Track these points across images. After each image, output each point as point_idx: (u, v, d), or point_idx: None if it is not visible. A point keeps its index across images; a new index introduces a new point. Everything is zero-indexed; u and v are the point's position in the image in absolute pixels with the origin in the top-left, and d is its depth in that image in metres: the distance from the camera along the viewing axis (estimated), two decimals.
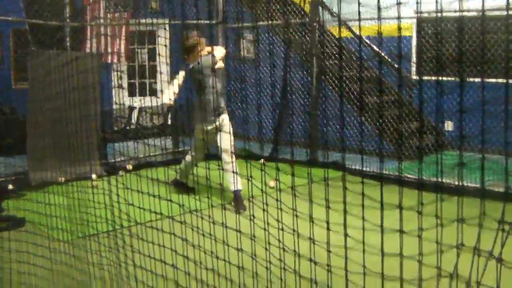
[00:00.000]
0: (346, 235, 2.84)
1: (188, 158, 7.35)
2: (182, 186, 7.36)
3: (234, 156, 6.62)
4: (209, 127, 6.90)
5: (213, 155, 7.51)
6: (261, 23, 10.32)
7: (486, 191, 6.16)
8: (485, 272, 2.33)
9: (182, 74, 7.10)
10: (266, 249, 3.45)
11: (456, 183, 6.80)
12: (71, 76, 7.87)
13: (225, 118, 6.98)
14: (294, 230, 3.21)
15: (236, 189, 6.76)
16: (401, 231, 2.58)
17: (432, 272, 2.45)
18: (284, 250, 3.30)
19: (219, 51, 7.10)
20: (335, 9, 9.52)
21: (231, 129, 6.97)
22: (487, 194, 2.88)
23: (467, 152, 7.48)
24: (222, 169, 6.63)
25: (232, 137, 6.84)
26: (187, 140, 9.26)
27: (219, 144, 6.85)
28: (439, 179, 2.74)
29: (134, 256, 4.23)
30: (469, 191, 6.37)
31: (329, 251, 2.95)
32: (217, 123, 6.90)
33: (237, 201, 6.72)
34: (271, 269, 3.45)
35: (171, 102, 6.96)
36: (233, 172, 6.61)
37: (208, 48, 7.09)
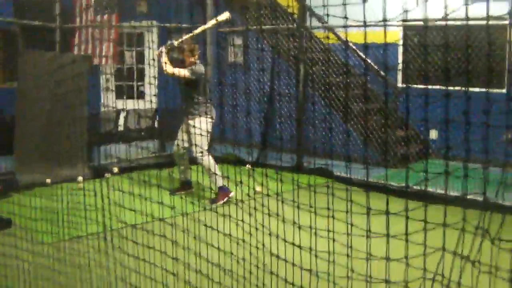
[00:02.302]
0: (333, 239, 2.92)
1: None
2: (184, 187, 7.64)
3: (208, 155, 7.07)
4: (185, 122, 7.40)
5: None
6: (249, 27, 10.38)
7: (468, 200, 6.25)
8: (462, 274, 2.42)
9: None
10: (250, 253, 3.51)
11: (439, 191, 6.89)
12: (60, 78, 7.90)
13: (201, 121, 7.07)
14: (278, 236, 3.28)
15: (220, 185, 6.99)
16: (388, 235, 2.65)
17: (417, 275, 2.53)
18: (271, 254, 3.37)
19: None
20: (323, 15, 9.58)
21: (202, 130, 7.06)
22: (469, 204, 2.96)
23: (451, 161, 7.57)
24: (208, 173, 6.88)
25: (203, 137, 7.03)
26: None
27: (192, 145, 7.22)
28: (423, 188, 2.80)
29: (119, 259, 4.27)
30: (451, 200, 6.47)
31: (316, 256, 3.02)
32: (188, 121, 7.25)
33: (217, 197, 6.93)
34: (256, 273, 3.51)
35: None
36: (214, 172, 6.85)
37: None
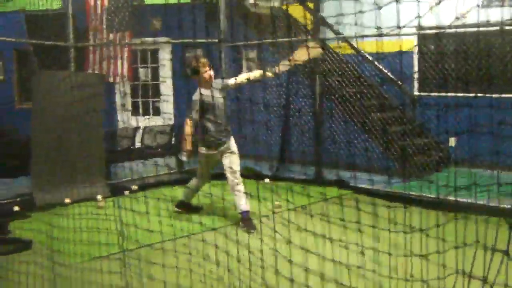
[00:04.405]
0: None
1: (194, 182, 7.29)
2: (186, 207, 7.33)
3: (240, 178, 6.71)
4: (213, 151, 6.90)
5: (218, 175, 7.49)
6: (264, 41, 10.34)
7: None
8: None
9: (194, 113, 7.05)
10: (276, 271, 3.43)
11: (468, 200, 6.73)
12: (76, 97, 7.89)
13: (232, 141, 6.97)
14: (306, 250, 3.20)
15: (245, 210, 6.73)
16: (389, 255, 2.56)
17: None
18: (307, 270, 3.29)
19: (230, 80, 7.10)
20: (337, 27, 9.57)
21: (237, 151, 6.97)
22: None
23: (474, 169, 7.48)
24: (234, 191, 6.67)
25: (238, 159, 6.87)
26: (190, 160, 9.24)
27: (227, 166, 6.83)
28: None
29: (137, 280, 4.21)
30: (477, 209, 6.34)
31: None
32: (224, 146, 6.89)
33: (246, 222, 6.68)
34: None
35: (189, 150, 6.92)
36: (244, 193, 6.62)
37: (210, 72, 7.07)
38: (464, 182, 2.81)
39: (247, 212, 6.74)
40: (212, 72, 6.95)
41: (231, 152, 6.80)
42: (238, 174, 6.73)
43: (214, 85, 6.89)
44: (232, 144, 6.96)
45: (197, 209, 7.17)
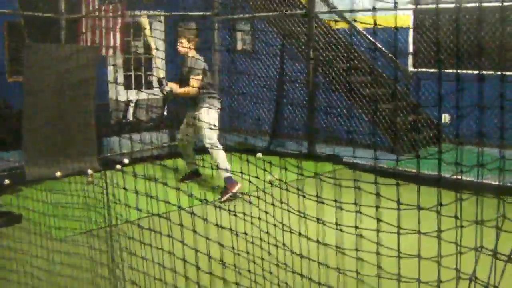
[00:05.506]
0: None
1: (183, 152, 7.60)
2: (193, 176, 7.68)
3: (217, 147, 6.84)
4: (189, 116, 7.27)
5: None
6: (257, 14, 10.23)
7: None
8: (503, 276, 2.27)
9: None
10: (262, 248, 3.40)
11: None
12: (68, 70, 7.81)
13: (201, 113, 7.02)
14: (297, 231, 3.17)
15: (225, 176, 6.80)
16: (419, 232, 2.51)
17: (451, 275, 2.37)
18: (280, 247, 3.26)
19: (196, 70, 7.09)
20: (331, 1, 9.50)
21: (208, 120, 6.93)
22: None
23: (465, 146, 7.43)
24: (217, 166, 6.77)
25: (211, 129, 6.86)
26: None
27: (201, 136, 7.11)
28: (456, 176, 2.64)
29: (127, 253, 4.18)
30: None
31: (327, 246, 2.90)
32: (190, 114, 7.18)
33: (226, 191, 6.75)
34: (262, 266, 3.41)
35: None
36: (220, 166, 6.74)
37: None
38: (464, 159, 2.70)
39: (226, 179, 6.83)
40: (181, 47, 7.14)
41: (199, 120, 6.86)
42: (207, 141, 6.88)
43: (189, 60, 7.13)
44: (205, 114, 6.98)
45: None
